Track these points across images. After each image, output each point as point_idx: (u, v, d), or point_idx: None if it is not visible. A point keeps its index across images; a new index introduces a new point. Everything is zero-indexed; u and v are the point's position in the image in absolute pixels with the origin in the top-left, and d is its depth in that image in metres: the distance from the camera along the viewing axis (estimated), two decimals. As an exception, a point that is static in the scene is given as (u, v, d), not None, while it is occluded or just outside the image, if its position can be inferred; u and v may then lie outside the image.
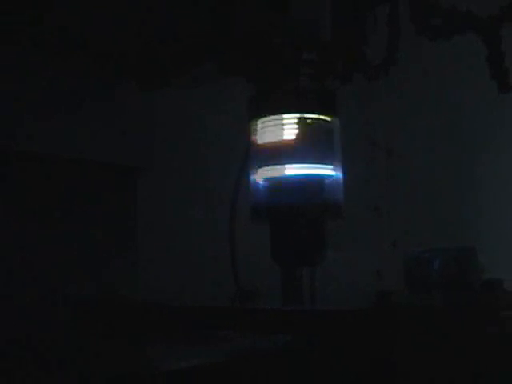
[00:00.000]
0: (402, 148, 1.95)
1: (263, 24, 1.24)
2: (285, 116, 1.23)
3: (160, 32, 1.41)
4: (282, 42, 1.22)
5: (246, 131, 1.28)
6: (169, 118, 1.64)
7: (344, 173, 1.26)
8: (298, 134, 1.23)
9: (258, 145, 1.26)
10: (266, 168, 1.24)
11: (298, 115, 1.23)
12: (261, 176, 1.24)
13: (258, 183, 1.25)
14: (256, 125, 1.26)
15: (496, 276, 1.13)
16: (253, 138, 1.27)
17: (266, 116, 1.24)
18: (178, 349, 1.15)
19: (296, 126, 1.23)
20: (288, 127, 1.23)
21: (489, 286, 1.14)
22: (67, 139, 1.45)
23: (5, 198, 1.37)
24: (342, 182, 1.25)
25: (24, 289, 1.35)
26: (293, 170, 1.22)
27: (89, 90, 1.50)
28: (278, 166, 1.22)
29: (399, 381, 1.01)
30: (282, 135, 1.23)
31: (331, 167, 1.24)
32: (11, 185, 1.38)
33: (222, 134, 1.51)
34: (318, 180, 1.23)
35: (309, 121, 1.23)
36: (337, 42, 1.25)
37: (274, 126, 1.24)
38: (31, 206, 1.41)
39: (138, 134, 1.57)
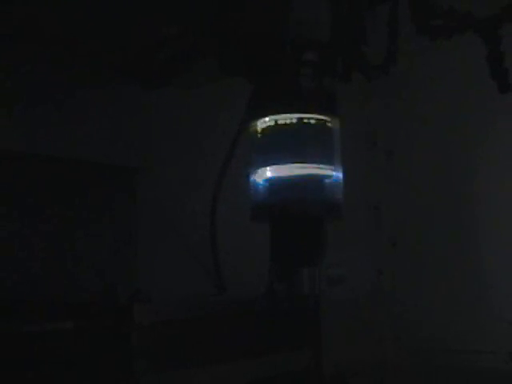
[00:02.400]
0: (402, 148, 1.95)
1: (264, 24, 1.24)
2: (284, 116, 1.23)
3: (160, 32, 1.41)
4: (283, 42, 1.22)
5: (246, 131, 1.28)
6: (169, 117, 1.64)
7: (344, 173, 1.26)
8: (297, 135, 1.23)
9: (258, 145, 1.26)
10: (265, 168, 1.24)
11: (297, 115, 1.23)
12: (261, 176, 1.24)
13: (258, 183, 1.25)
14: (256, 125, 1.26)
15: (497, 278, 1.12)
16: (253, 138, 1.27)
17: (265, 116, 1.24)
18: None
19: (296, 126, 1.23)
20: (288, 127, 1.23)
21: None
22: (67, 140, 1.45)
23: (5, 199, 1.38)
24: (341, 181, 1.25)
25: (24, 289, 1.35)
26: (292, 170, 1.22)
27: (89, 91, 1.50)
28: (278, 166, 1.22)
29: None
30: (281, 135, 1.23)
31: (331, 167, 1.24)
32: (11, 185, 1.38)
33: (222, 133, 1.51)
34: (318, 180, 1.23)
35: (308, 121, 1.23)
36: (337, 42, 1.25)
37: (274, 126, 1.23)
38: (31, 206, 1.41)
39: (137, 135, 1.57)
